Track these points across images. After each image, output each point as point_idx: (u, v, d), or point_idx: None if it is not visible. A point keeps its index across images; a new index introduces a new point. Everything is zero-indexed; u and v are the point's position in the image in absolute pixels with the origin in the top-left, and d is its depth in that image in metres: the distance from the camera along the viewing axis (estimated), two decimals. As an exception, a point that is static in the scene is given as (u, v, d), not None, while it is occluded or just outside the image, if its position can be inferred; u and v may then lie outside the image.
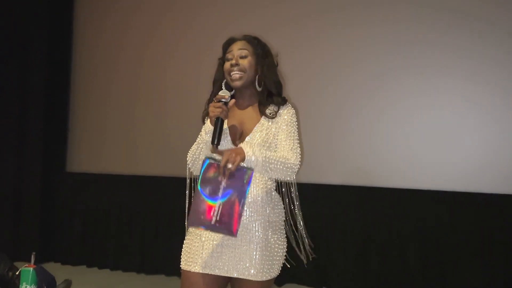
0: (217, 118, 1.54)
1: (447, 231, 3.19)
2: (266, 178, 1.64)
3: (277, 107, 1.68)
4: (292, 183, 1.72)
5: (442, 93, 3.29)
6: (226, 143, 1.64)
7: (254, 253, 1.57)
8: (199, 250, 1.61)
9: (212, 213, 1.44)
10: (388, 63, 3.43)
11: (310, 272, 3.44)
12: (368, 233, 3.37)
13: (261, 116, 1.67)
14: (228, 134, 1.65)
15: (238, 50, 1.67)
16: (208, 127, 1.59)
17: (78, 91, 4.49)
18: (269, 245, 1.61)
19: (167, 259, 3.77)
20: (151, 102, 4.17)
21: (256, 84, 1.68)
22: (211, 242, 1.60)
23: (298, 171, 1.62)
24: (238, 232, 1.56)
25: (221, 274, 1.59)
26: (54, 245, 4.26)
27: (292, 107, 1.72)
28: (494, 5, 3.18)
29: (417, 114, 3.35)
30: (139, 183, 4.10)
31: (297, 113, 1.72)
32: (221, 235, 1.58)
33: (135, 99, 4.24)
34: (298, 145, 1.65)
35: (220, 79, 1.72)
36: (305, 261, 1.77)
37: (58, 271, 3.35)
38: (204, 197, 1.45)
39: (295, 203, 1.73)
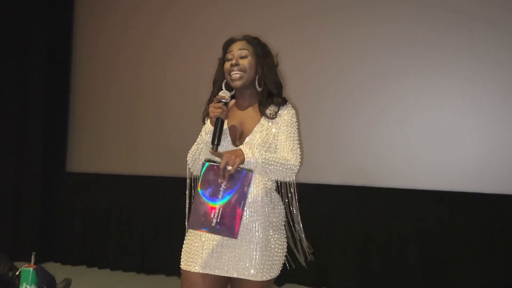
0: (217, 119, 1.54)
1: (447, 231, 3.19)
2: (266, 179, 1.64)
3: (277, 108, 1.68)
4: (291, 184, 1.72)
5: (442, 93, 3.29)
6: (226, 143, 1.64)
7: (254, 253, 1.57)
8: (199, 250, 1.61)
9: (212, 215, 1.45)
10: (388, 63, 3.42)
11: (310, 272, 3.44)
12: (368, 233, 3.37)
13: (261, 117, 1.67)
14: (228, 134, 1.65)
15: (238, 50, 1.68)
16: (208, 127, 1.59)
17: (78, 91, 4.49)
18: (269, 245, 1.61)
19: (167, 259, 3.77)
20: (151, 102, 4.17)
21: (256, 84, 1.68)
22: (211, 242, 1.60)
23: (298, 171, 1.62)
24: (238, 234, 1.57)
25: (221, 274, 1.59)
26: (54, 245, 4.26)
27: (292, 107, 1.72)
28: (494, 5, 3.18)
29: (417, 114, 3.35)
30: (139, 183, 4.10)
31: (297, 113, 1.72)
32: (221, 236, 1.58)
33: (135, 99, 4.24)
34: (298, 145, 1.66)
35: (220, 79, 1.72)
36: (303, 264, 1.76)
37: (58, 271, 3.35)
38: (204, 199, 1.46)
39: (295, 204, 1.73)
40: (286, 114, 1.68)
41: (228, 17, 3.89)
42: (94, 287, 3.61)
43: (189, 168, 1.68)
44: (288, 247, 1.72)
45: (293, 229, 1.74)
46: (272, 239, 1.62)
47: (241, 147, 1.54)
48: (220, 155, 1.47)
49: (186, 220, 1.61)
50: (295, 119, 1.69)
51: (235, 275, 1.58)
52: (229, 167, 1.43)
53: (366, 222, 3.38)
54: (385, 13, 3.45)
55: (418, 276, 3.20)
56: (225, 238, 1.58)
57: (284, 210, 1.72)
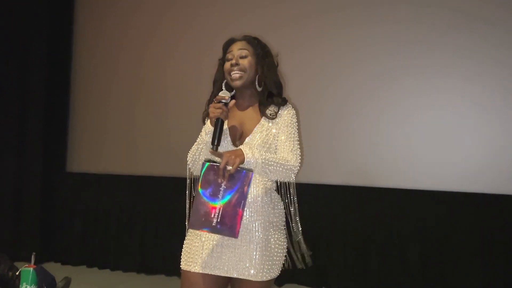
0: (217, 119, 1.53)
1: (447, 231, 3.19)
2: (266, 179, 1.64)
3: (277, 108, 1.68)
4: (291, 184, 1.72)
5: (442, 93, 3.29)
6: (226, 143, 1.64)
7: (254, 253, 1.57)
8: (199, 250, 1.61)
9: (213, 215, 1.45)
10: (388, 63, 3.42)
11: (310, 272, 3.44)
12: (368, 233, 3.37)
13: (261, 117, 1.67)
14: (228, 134, 1.65)
15: (238, 50, 1.68)
16: (208, 127, 1.59)
17: (78, 91, 4.49)
18: (269, 245, 1.61)
19: (167, 259, 3.77)
20: (151, 102, 4.17)
21: (257, 84, 1.68)
22: (211, 242, 1.60)
23: (298, 172, 1.62)
24: (238, 234, 1.57)
25: (221, 274, 1.59)
26: (54, 245, 4.26)
27: (292, 107, 1.72)
28: (494, 5, 3.18)
29: (417, 114, 3.35)
30: (139, 183, 4.10)
31: (297, 114, 1.72)
32: (221, 235, 1.59)
33: (135, 99, 4.24)
34: (298, 146, 1.66)
35: (220, 79, 1.72)
36: (300, 267, 1.76)
37: (58, 271, 3.35)
38: (204, 199, 1.46)
39: (294, 204, 1.73)
40: (286, 114, 1.68)
41: (228, 17, 3.89)
42: (94, 287, 3.61)
43: (189, 168, 1.68)
44: (289, 248, 1.72)
45: (291, 230, 1.74)
46: (272, 239, 1.62)
47: (241, 147, 1.54)
48: (220, 155, 1.47)
49: (187, 220, 1.61)
50: (295, 120, 1.69)
51: (235, 275, 1.58)
52: (229, 167, 1.43)
53: (366, 222, 3.38)
54: (385, 13, 3.45)
55: (418, 276, 3.20)
56: (225, 238, 1.58)
57: (284, 210, 1.72)
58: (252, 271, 1.57)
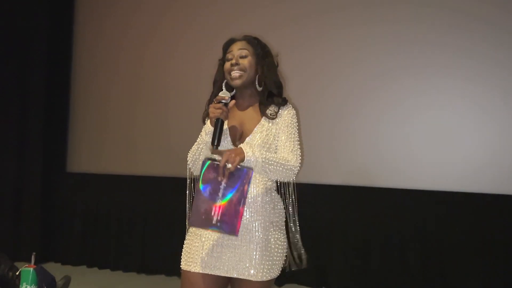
0: (217, 119, 1.54)
1: (447, 231, 3.19)
2: (266, 179, 1.64)
3: (277, 108, 1.68)
4: (290, 184, 1.72)
5: (442, 93, 3.29)
6: (226, 144, 1.64)
7: (254, 253, 1.57)
8: (199, 250, 1.61)
9: (213, 213, 1.45)
10: (388, 63, 3.42)
11: (310, 272, 3.44)
12: (368, 233, 3.37)
13: (262, 117, 1.67)
14: (228, 135, 1.65)
15: (238, 50, 1.68)
16: (208, 127, 1.59)
17: (78, 91, 4.49)
18: (269, 245, 1.61)
19: (168, 259, 3.77)
20: (152, 102, 4.17)
21: (257, 84, 1.68)
22: (211, 242, 1.60)
23: (298, 172, 1.62)
24: (239, 232, 1.57)
25: (221, 274, 1.59)
26: (54, 245, 4.26)
27: (292, 107, 1.72)
28: (494, 5, 3.18)
29: (417, 114, 3.35)
30: (139, 183, 4.10)
31: (297, 114, 1.72)
32: (221, 235, 1.59)
33: (135, 99, 4.24)
34: (299, 146, 1.66)
35: (220, 79, 1.73)
36: (294, 268, 1.75)
37: (58, 271, 3.34)
38: (204, 197, 1.46)
39: (293, 205, 1.73)
40: (287, 114, 1.68)
41: (228, 17, 3.89)
42: (94, 287, 3.61)
43: (189, 168, 1.68)
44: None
45: (289, 230, 1.74)
46: (272, 239, 1.62)
47: (241, 145, 1.55)
48: (220, 153, 1.47)
49: (187, 220, 1.61)
50: (295, 120, 1.69)
51: (235, 275, 1.58)
52: (229, 165, 1.43)
53: (366, 222, 3.38)
54: (385, 13, 3.45)
55: (418, 276, 3.20)
56: (225, 238, 1.58)
57: (284, 210, 1.72)
58: (252, 271, 1.57)
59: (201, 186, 1.47)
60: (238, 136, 1.67)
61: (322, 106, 3.58)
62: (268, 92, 1.69)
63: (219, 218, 1.45)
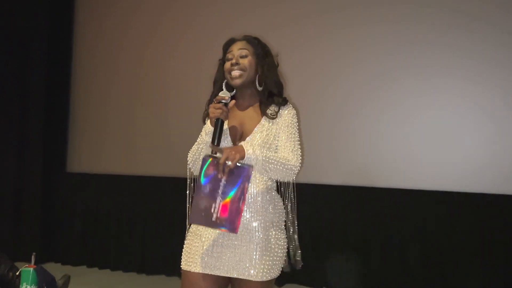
0: (217, 119, 1.54)
1: (447, 231, 3.18)
2: (266, 178, 1.64)
3: (277, 107, 1.68)
4: (290, 184, 1.72)
5: (442, 93, 3.29)
6: (226, 144, 1.64)
7: (254, 253, 1.57)
8: (199, 250, 1.61)
9: (212, 210, 1.46)
10: (387, 63, 3.42)
11: (310, 272, 3.44)
12: (368, 233, 3.37)
13: (262, 117, 1.67)
14: (228, 135, 1.65)
15: (238, 50, 1.68)
16: (208, 127, 1.59)
17: (78, 91, 4.49)
18: (269, 245, 1.61)
19: (168, 259, 3.77)
20: (152, 102, 4.17)
21: (257, 84, 1.68)
22: (211, 243, 1.60)
23: (298, 172, 1.62)
24: (239, 232, 1.57)
25: (221, 275, 1.59)
26: (54, 245, 4.26)
27: (292, 107, 1.72)
28: (494, 5, 3.18)
29: (417, 114, 3.35)
30: (139, 184, 4.10)
31: (297, 114, 1.72)
32: (221, 235, 1.59)
33: (135, 99, 4.24)
34: (299, 146, 1.66)
35: (220, 79, 1.73)
36: (287, 270, 1.74)
37: (58, 271, 3.34)
38: (204, 194, 1.47)
39: (292, 205, 1.73)
40: (287, 114, 1.68)
41: (228, 17, 3.89)
42: (94, 287, 3.61)
43: (190, 168, 1.68)
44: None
45: (287, 231, 1.74)
46: (272, 239, 1.62)
47: (242, 143, 1.55)
48: (220, 151, 1.48)
49: (187, 220, 1.61)
50: (295, 120, 1.69)
51: (235, 275, 1.58)
52: (229, 162, 1.44)
53: (366, 222, 3.38)
54: (385, 13, 3.45)
55: (418, 276, 3.20)
56: (225, 238, 1.58)
57: (284, 210, 1.72)
58: (252, 271, 1.56)
59: (202, 180, 1.47)
60: (238, 136, 1.67)
61: (322, 106, 3.58)
62: (268, 92, 1.69)
63: (218, 215, 1.45)
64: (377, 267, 3.31)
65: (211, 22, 3.96)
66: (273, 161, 1.54)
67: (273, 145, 1.64)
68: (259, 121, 1.67)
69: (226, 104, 1.57)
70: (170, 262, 3.66)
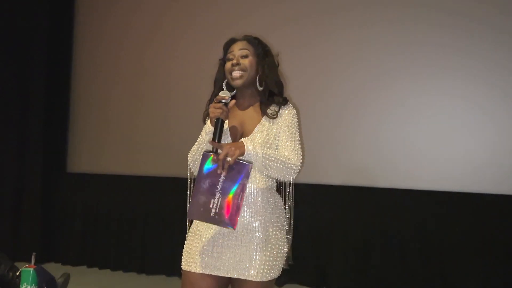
0: (217, 119, 1.54)
1: (447, 231, 3.19)
2: (267, 178, 1.64)
3: (278, 107, 1.68)
4: (288, 185, 1.72)
5: (442, 93, 3.29)
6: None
7: (254, 253, 1.57)
8: (200, 250, 1.61)
9: (211, 205, 1.46)
10: (388, 64, 3.42)
11: (310, 273, 3.45)
12: (368, 233, 3.37)
13: (262, 116, 1.67)
14: (228, 134, 1.65)
15: (239, 50, 1.68)
16: (208, 127, 1.59)
17: (79, 91, 4.49)
18: (270, 245, 1.60)
19: (168, 260, 3.77)
20: (152, 102, 4.17)
21: (257, 83, 1.68)
22: (211, 243, 1.60)
23: (299, 172, 1.62)
24: (239, 233, 1.58)
25: (221, 275, 1.59)
26: (54, 245, 4.27)
27: (293, 107, 1.72)
28: (494, 5, 3.18)
29: (417, 114, 3.35)
30: (140, 184, 4.10)
31: (297, 114, 1.73)
32: (221, 236, 1.59)
33: (136, 99, 4.24)
34: (300, 146, 1.66)
35: (221, 79, 1.73)
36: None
37: (58, 271, 3.34)
38: (204, 189, 1.47)
39: (291, 205, 1.73)
40: (287, 114, 1.68)
41: (229, 17, 3.89)
42: (95, 287, 3.61)
43: (190, 168, 1.69)
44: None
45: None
46: (272, 240, 1.62)
47: (242, 139, 1.55)
48: (220, 147, 1.48)
49: (187, 221, 1.61)
50: (296, 119, 1.69)
51: (235, 276, 1.58)
52: (229, 158, 1.44)
53: (366, 222, 3.38)
54: (386, 13, 3.45)
55: (418, 276, 3.20)
56: (226, 238, 1.58)
57: (284, 210, 1.72)
58: (252, 272, 1.56)
59: (200, 178, 1.47)
60: (239, 136, 1.67)
61: (322, 106, 3.58)
62: (269, 92, 1.69)
63: (217, 211, 1.46)
64: (377, 267, 3.31)
65: (211, 22, 3.96)
66: (273, 158, 1.54)
67: (273, 145, 1.64)
68: (260, 121, 1.67)
69: (226, 104, 1.57)
70: (170, 262, 3.66)
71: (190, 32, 4.06)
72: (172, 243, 3.66)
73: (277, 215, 1.66)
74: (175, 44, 4.12)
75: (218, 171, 1.46)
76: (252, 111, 1.70)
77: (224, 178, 1.46)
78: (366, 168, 3.44)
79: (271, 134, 1.64)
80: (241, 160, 1.48)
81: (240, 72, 1.65)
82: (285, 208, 1.73)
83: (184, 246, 1.68)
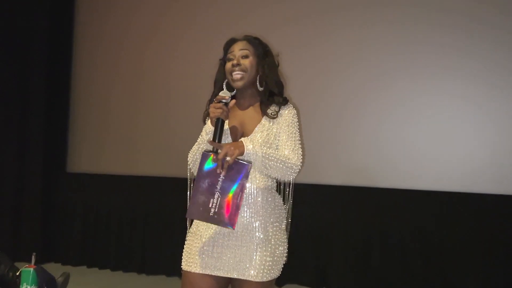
0: (218, 119, 1.54)
1: (447, 231, 3.19)
2: (267, 178, 1.64)
3: (278, 107, 1.68)
4: (289, 184, 1.72)
5: (442, 93, 3.29)
6: (227, 143, 1.64)
7: (254, 253, 1.57)
8: (200, 250, 1.61)
9: (210, 205, 1.46)
10: (388, 64, 3.42)
11: (310, 273, 3.45)
12: (368, 233, 3.37)
13: (262, 116, 1.68)
14: (229, 134, 1.65)
15: (239, 50, 1.68)
16: (208, 127, 1.59)
17: (79, 91, 4.49)
18: (270, 245, 1.61)
19: (168, 260, 3.77)
20: (152, 102, 4.17)
21: (258, 84, 1.68)
22: (211, 243, 1.60)
23: (299, 172, 1.62)
24: (239, 233, 1.58)
25: (221, 275, 1.59)
26: (54, 245, 4.26)
27: (293, 107, 1.72)
28: (494, 5, 3.18)
29: (417, 114, 3.35)
30: (140, 184, 4.10)
31: (298, 114, 1.73)
32: (221, 236, 1.59)
33: (136, 99, 4.24)
34: (300, 146, 1.66)
35: (221, 79, 1.73)
36: None
37: (58, 271, 3.33)
38: (203, 189, 1.47)
39: (289, 206, 1.73)
40: (288, 114, 1.68)
41: (229, 17, 3.89)
42: None
43: (190, 168, 1.69)
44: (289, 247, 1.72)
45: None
46: (272, 240, 1.62)
47: (242, 139, 1.56)
48: (220, 146, 1.48)
49: (187, 220, 1.61)
50: (296, 119, 1.70)
51: (235, 276, 1.58)
52: (228, 158, 1.44)
53: (366, 222, 3.38)
54: (386, 13, 3.45)
55: (418, 276, 3.20)
56: (226, 238, 1.58)
57: (285, 210, 1.72)
58: (252, 272, 1.56)
59: (199, 178, 1.47)
60: (239, 136, 1.67)
61: (322, 106, 3.58)
62: (269, 92, 1.69)
63: (216, 210, 1.46)
64: (377, 267, 3.31)
65: (211, 22, 3.96)
66: (273, 158, 1.54)
67: (273, 145, 1.64)
68: (260, 120, 1.67)
69: (226, 104, 1.57)
70: (170, 262, 3.66)
71: (190, 32, 4.05)
72: (172, 243, 3.66)
73: (277, 215, 1.67)
74: (175, 44, 4.12)
75: (218, 171, 1.46)
76: (252, 111, 1.70)
77: (224, 178, 1.47)
78: (366, 168, 3.44)
79: (271, 134, 1.64)
80: (241, 160, 1.49)
81: (241, 73, 1.65)
82: (285, 208, 1.73)
83: (184, 246, 1.68)
